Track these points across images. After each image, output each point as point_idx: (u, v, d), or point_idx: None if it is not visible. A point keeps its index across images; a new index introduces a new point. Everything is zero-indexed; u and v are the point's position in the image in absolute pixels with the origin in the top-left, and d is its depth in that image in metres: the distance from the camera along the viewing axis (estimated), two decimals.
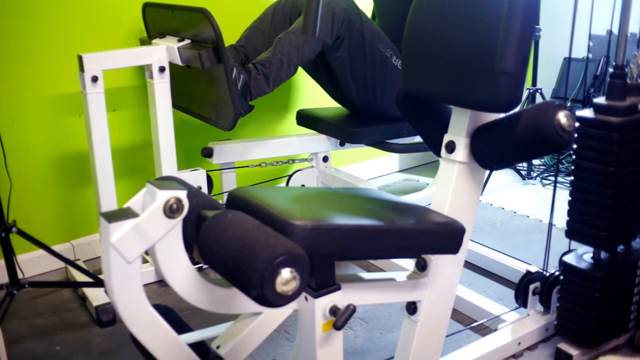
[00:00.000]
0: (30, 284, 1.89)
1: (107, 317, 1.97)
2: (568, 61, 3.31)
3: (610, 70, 1.59)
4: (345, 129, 2.30)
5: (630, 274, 1.67)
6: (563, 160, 3.22)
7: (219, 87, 2.04)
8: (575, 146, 1.61)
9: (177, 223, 1.01)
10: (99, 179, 2.05)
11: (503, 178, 3.21)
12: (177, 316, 1.30)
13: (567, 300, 1.68)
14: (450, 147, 1.33)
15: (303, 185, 2.60)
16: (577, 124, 1.59)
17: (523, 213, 2.76)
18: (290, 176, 2.60)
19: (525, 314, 1.83)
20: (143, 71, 2.16)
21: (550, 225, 1.88)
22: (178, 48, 2.03)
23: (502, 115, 1.28)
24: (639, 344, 1.76)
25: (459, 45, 1.27)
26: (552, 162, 3.30)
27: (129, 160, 2.49)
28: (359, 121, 2.35)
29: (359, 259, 2.29)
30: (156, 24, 2.25)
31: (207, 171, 2.30)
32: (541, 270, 1.84)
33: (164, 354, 1.07)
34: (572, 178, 1.64)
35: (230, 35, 2.36)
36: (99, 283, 2.00)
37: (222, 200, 2.39)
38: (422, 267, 1.34)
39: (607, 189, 1.55)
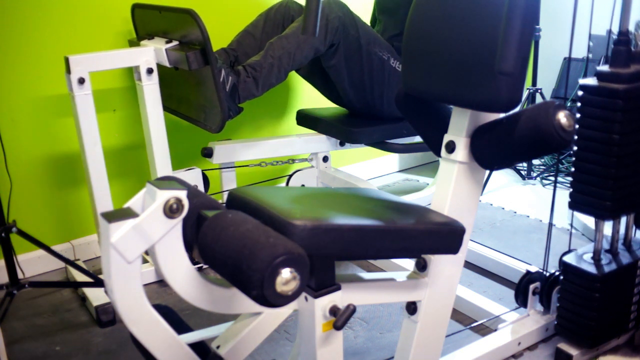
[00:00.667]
0: (30, 284, 1.89)
1: (107, 317, 1.97)
2: (568, 61, 3.31)
3: (614, 37, 1.55)
4: (345, 129, 2.30)
5: (630, 274, 1.67)
6: (563, 160, 3.22)
7: (207, 89, 2.02)
8: (578, 115, 1.57)
9: (177, 223, 1.01)
10: (93, 181, 2.04)
11: (503, 178, 3.21)
12: (177, 316, 1.30)
13: (567, 300, 1.68)
14: (450, 147, 1.33)
15: (303, 185, 2.60)
16: (580, 93, 1.57)
17: (523, 213, 2.76)
18: (290, 176, 2.60)
19: (525, 314, 1.83)
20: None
21: (550, 225, 1.88)
22: (166, 49, 2.02)
23: (502, 115, 1.28)
24: (639, 344, 1.76)
25: (459, 45, 1.27)
26: (552, 162, 3.30)
27: (129, 159, 2.49)
28: (359, 121, 2.35)
29: (359, 259, 2.29)
30: (145, 25, 2.24)
31: (203, 170, 2.30)
32: (541, 270, 1.84)
33: (164, 354, 1.07)
34: (575, 148, 1.59)
35: (223, 38, 2.36)
36: (99, 283, 2.00)
37: (222, 199, 2.40)
38: (422, 267, 1.34)
39: (611, 157, 1.51)
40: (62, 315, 2.06)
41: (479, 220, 2.69)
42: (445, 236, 1.23)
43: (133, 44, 2.26)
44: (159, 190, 0.99)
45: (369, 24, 2.61)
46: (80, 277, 2.07)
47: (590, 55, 3.20)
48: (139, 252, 0.98)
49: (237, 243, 0.96)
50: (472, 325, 1.91)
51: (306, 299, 1.14)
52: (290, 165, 2.86)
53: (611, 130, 1.51)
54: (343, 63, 2.19)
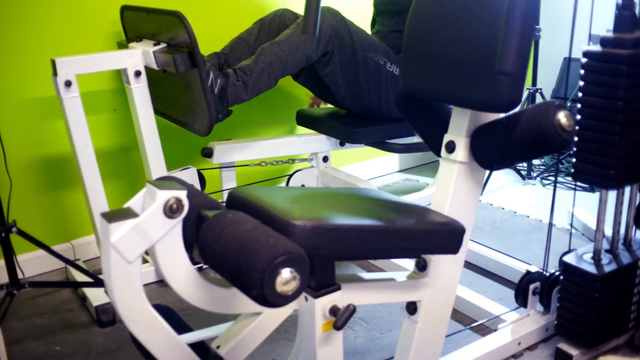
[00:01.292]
0: (30, 284, 1.89)
1: (107, 317, 1.97)
2: (568, 61, 3.31)
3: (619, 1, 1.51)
4: (345, 129, 2.30)
5: (630, 274, 1.67)
6: (563, 160, 3.22)
7: (195, 91, 2.01)
8: (582, 83, 1.54)
9: (177, 223, 1.01)
10: (87, 183, 2.03)
11: (503, 178, 3.21)
12: (177, 316, 1.30)
13: (567, 300, 1.68)
14: (450, 147, 1.33)
15: (303, 185, 2.60)
16: (584, 60, 1.54)
17: (523, 213, 2.76)
18: (290, 176, 2.60)
19: (525, 314, 1.83)
20: None
21: (550, 225, 1.87)
22: (154, 52, 2.01)
23: (502, 115, 1.28)
24: (639, 344, 1.76)
25: (459, 45, 1.27)
26: (552, 162, 3.30)
27: (131, 158, 2.49)
28: (359, 121, 2.35)
29: (359, 259, 2.29)
30: (134, 27, 2.22)
31: (199, 170, 2.29)
32: (541, 270, 1.84)
33: (164, 354, 1.07)
34: (579, 117, 1.55)
35: (217, 43, 2.35)
36: (99, 283, 2.00)
37: (222, 199, 2.40)
38: (422, 267, 1.34)
39: (615, 125, 1.48)
40: (62, 315, 2.06)
41: (479, 220, 2.69)
42: (445, 236, 1.23)
43: (122, 46, 2.25)
44: (159, 190, 0.99)
45: (369, 24, 2.62)
46: (80, 277, 2.07)
47: None
48: (139, 252, 0.98)
49: (237, 243, 0.96)
50: (472, 325, 1.91)
51: (306, 299, 1.14)
52: (290, 165, 2.86)
53: (615, 96, 1.47)
54: (339, 70, 2.18)
